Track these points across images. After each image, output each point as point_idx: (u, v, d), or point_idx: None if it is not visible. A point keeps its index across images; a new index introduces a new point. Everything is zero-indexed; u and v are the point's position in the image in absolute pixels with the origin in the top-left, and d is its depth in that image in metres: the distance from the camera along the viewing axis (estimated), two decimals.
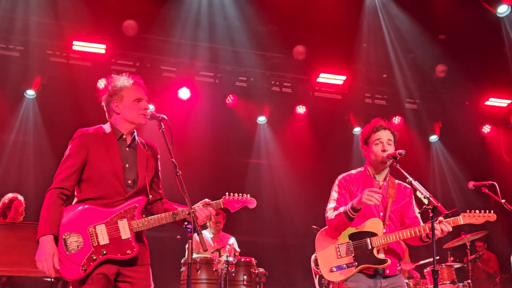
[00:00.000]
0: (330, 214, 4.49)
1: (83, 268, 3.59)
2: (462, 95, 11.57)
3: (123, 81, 3.94)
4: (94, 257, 3.61)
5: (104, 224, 3.67)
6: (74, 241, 3.62)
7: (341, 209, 4.38)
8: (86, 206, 3.71)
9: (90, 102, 9.60)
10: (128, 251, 3.66)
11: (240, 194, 4.03)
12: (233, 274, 7.00)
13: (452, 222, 4.26)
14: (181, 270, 7.29)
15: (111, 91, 3.93)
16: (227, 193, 3.98)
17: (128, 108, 3.87)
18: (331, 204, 4.58)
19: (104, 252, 3.63)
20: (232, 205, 3.99)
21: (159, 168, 4.05)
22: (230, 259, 7.08)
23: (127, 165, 3.80)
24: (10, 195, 7.49)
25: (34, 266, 5.74)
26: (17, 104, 9.58)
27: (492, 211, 4.39)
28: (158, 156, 4.05)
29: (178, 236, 3.79)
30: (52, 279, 6.62)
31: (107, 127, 3.90)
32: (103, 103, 3.99)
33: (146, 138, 4.09)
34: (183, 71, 10.27)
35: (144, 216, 3.80)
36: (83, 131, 3.83)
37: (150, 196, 3.86)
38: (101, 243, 3.64)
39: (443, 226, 4.18)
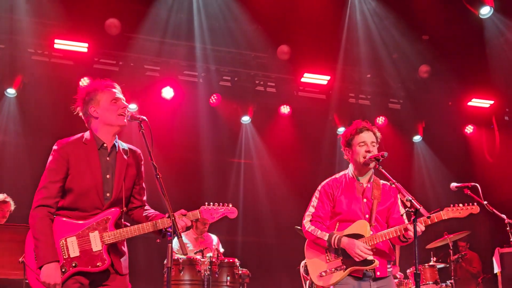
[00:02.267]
0: (308, 225, 4.54)
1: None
2: (445, 96, 11.64)
3: (97, 86, 3.88)
4: (64, 270, 3.59)
5: (75, 236, 3.64)
6: None
7: (326, 235, 4.41)
8: (59, 218, 3.68)
9: (71, 101, 9.58)
10: (98, 264, 3.63)
11: (221, 204, 3.96)
12: (217, 275, 6.96)
13: (436, 218, 4.25)
14: (164, 272, 7.23)
15: (86, 99, 3.86)
16: (206, 203, 3.93)
17: (106, 110, 3.80)
18: (310, 211, 4.61)
19: (74, 265, 3.60)
20: (210, 215, 3.91)
21: (143, 174, 3.99)
22: (213, 260, 7.04)
23: (107, 176, 3.75)
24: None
25: (13, 269, 5.70)
26: None
27: (475, 203, 4.39)
28: (142, 162, 3.98)
29: (158, 240, 3.74)
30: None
31: (87, 136, 3.84)
32: (80, 114, 3.92)
33: (125, 139, 4.03)
34: (167, 70, 10.21)
35: (123, 225, 3.78)
36: (62, 143, 3.77)
37: (125, 208, 3.80)
38: (72, 255, 3.62)
39: (422, 226, 4.18)
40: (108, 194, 3.73)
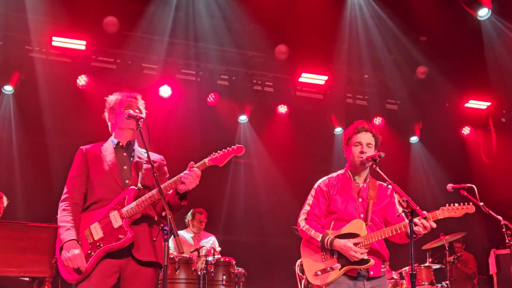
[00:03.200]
0: (303, 224, 4.56)
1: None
2: (443, 97, 11.65)
3: (118, 95, 4.19)
4: (91, 252, 3.72)
5: (97, 222, 3.81)
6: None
7: (319, 236, 4.42)
8: (86, 213, 3.89)
9: (69, 98, 9.59)
10: (120, 236, 3.74)
11: (226, 148, 4.00)
12: (212, 274, 6.97)
13: (432, 217, 4.25)
14: (161, 267, 7.23)
15: (108, 109, 4.19)
16: (213, 153, 3.99)
17: (118, 116, 4.08)
18: (305, 209, 4.63)
19: (100, 245, 3.74)
20: (217, 160, 3.97)
21: (165, 172, 4.23)
22: (210, 258, 7.05)
23: (124, 167, 3.98)
24: None
25: (9, 266, 5.71)
26: None
27: (470, 203, 4.40)
28: (164, 162, 4.27)
29: (154, 239, 3.77)
30: (28, 279, 6.53)
31: (107, 141, 4.15)
32: (107, 119, 4.26)
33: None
34: (165, 69, 10.19)
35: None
36: (82, 148, 4.09)
37: (140, 185, 3.91)
38: (96, 238, 3.78)
39: (426, 222, 4.16)
40: (127, 181, 3.92)
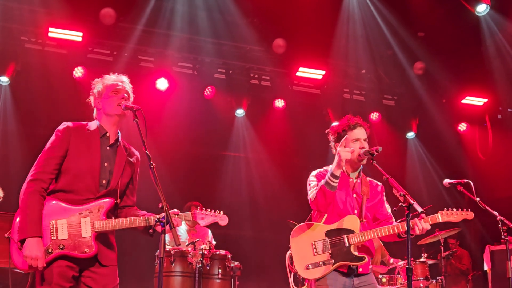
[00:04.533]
0: (312, 195, 4.43)
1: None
2: (439, 93, 11.66)
3: (105, 78, 4.03)
4: (50, 250, 3.60)
5: (66, 219, 3.66)
6: None
7: (322, 181, 4.34)
8: (54, 201, 3.70)
9: (65, 90, 9.54)
10: (85, 250, 3.64)
11: (213, 210, 4.02)
12: (208, 268, 6.96)
13: (431, 220, 4.29)
14: (156, 263, 7.23)
15: (93, 91, 4.02)
16: (199, 207, 3.99)
17: (105, 101, 3.93)
18: (312, 189, 4.49)
19: (61, 247, 3.62)
20: (202, 219, 3.97)
21: (137, 176, 4.06)
22: (205, 252, 7.04)
23: (105, 164, 3.83)
24: None
25: (2, 257, 5.66)
26: None
27: (469, 209, 4.42)
28: (138, 164, 4.06)
29: (150, 230, 3.74)
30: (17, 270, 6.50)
31: (92, 125, 3.96)
32: (92, 104, 4.07)
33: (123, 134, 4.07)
34: (161, 62, 10.16)
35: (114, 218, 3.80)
36: (67, 125, 3.88)
37: (119, 200, 3.84)
38: (60, 237, 3.64)
39: (423, 224, 4.19)
40: (104, 181, 3.78)
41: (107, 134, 3.91)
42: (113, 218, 3.77)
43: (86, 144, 3.80)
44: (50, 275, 3.59)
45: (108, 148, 3.89)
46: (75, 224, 3.66)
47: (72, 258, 3.63)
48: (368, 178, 4.63)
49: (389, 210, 4.60)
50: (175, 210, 3.86)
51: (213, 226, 8.55)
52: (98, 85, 4.01)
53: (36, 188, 3.66)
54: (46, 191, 3.72)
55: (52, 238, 3.62)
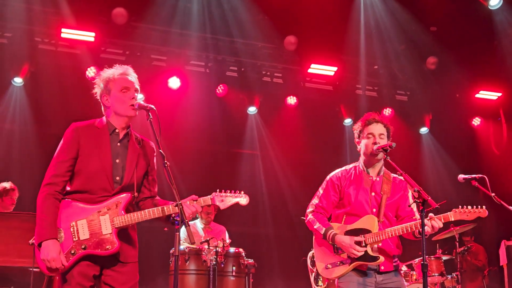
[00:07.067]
0: (310, 216, 4.59)
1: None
2: (453, 88, 11.58)
3: (109, 73, 3.92)
4: (73, 252, 3.61)
5: (85, 219, 3.67)
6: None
7: (323, 229, 4.44)
8: (71, 202, 3.71)
9: (78, 90, 9.62)
10: (108, 246, 3.64)
11: (232, 190, 3.97)
12: (222, 265, 6.97)
13: (443, 219, 4.25)
14: (170, 261, 7.26)
15: (100, 86, 3.92)
16: (218, 190, 3.92)
17: (116, 100, 3.85)
18: (314, 201, 4.65)
19: (84, 247, 3.62)
20: (221, 201, 3.91)
21: (155, 166, 4.01)
22: (219, 250, 7.05)
23: (117, 161, 3.79)
24: (5, 184, 7.46)
25: (21, 256, 5.73)
26: (4, 91, 9.45)
27: (484, 206, 4.38)
28: (154, 154, 4.00)
29: (166, 228, 3.76)
30: (39, 269, 6.56)
31: (101, 121, 3.89)
32: (98, 98, 3.98)
33: (135, 128, 4.03)
34: (174, 60, 10.19)
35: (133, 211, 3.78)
36: (76, 125, 3.83)
37: (136, 193, 3.82)
38: (81, 238, 3.64)
39: (434, 222, 4.18)
40: (117, 178, 3.76)
41: (116, 130, 3.86)
42: (133, 212, 3.76)
43: (96, 143, 3.77)
44: (71, 275, 3.61)
45: (118, 144, 3.84)
46: (95, 223, 3.66)
47: (93, 257, 3.64)
48: (393, 175, 4.60)
49: (415, 207, 4.55)
50: (194, 195, 3.84)
51: (229, 224, 8.59)
52: (104, 80, 3.90)
53: (50, 191, 3.67)
54: (61, 193, 3.72)
55: (74, 239, 3.63)
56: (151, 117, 3.73)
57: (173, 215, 3.60)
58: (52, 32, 9.40)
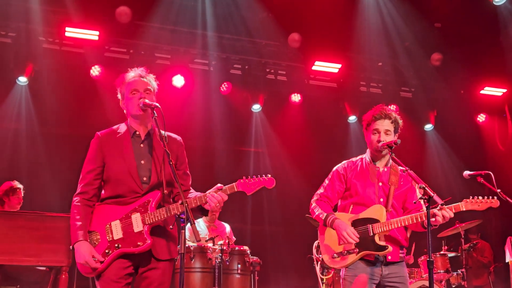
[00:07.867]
0: (313, 204, 4.64)
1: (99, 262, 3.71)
2: (458, 84, 11.55)
3: (125, 79, 4.06)
4: (108, 251, 3.72)
5: (119, 220, 3.78)
6: (93, 239, 3.78)
7: (324, 215, 4.49)
8: (105, 206, 3.85)
9: (82, 89, 9.62)
10: (139, 243, 3.72)
11: (258, 176, 3.96)
12: (227, 263, 6.98)
13: (454, 209, 4.23)
14: (175, 259, 7.26)
15: (118, 92, 4.09)
16: (244, 177, 3.94)
17: (128, 103, 3.98)
18: (319, 191, 4.69)
19: (117, 246, 3.73)
20: (247, 187, 3.92)
21: (185, 160, 4.10)
22: (224, 247, 7.06)
23: (142, 162, 3.88)
24: (13, 182, 7.48)
25: (26, 255, 5.76)
26: (9, 91, 9.47)
27: (495, 197, 4.35)
28: (183, 148, 4.10)
29: (171, 226, 3.77)
30: (45, 268, 6.60)
31: (122, 127, 4.03)
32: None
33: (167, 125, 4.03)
34: (178, 59, 10.19)
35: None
36: (98, 134, 3.97)
37: (166, 190, 3.87)
38: (115, 237, 3.76)
39: (445, 212, 4.15)
40: (145, 179, 3.84)
41: (137, 133, 3.96)
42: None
43: (119, 148, 3.89)
44: (107, 273, 3.72)
45: (141, 145, 3.94)
46: (127, 222, 3.77)
47: (128, 255, 3.74)
48: (400, 167, 4.60)
49: (421, 200, 4.53)
50: (219, 185, 3.88)
51: (234, 222, 8.59)
52: (120, 85, 4.06)
53: (80, 200, 3.83)
54: (92, 200, 3.87)
55: (109, 239, 3.75)
56: (155, 115, 3.78)
57: (178, 213, 3.62)
58: (56, 31, 9.41)
